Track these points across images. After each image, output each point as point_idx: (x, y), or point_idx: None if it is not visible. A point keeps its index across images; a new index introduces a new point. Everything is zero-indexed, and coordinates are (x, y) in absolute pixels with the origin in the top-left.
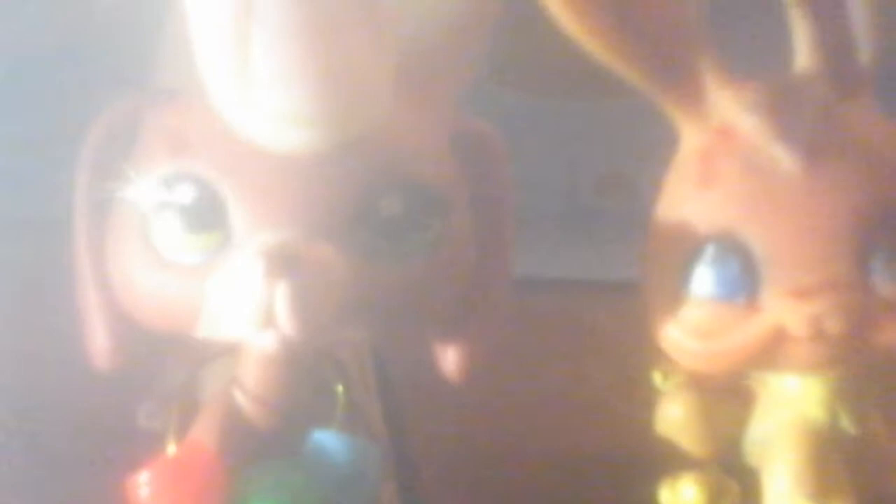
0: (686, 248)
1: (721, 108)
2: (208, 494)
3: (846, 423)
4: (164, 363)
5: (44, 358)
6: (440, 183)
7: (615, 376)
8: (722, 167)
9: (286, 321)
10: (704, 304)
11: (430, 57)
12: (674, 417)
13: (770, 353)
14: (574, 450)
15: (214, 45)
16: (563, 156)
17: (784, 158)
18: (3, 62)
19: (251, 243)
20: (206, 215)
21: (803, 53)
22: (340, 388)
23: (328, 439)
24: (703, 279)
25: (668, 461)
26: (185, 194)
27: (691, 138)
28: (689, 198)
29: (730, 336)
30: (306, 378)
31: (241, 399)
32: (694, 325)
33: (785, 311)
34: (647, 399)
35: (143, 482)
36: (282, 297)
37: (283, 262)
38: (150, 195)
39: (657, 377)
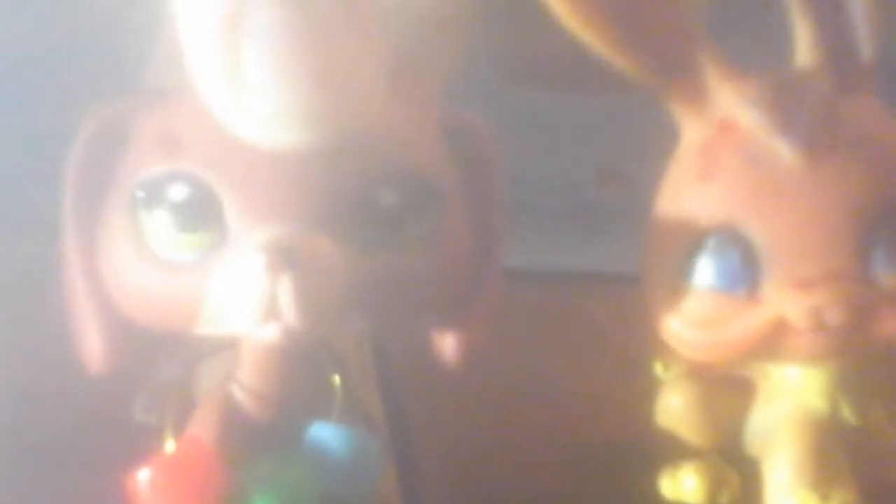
0: (687, 240)
1: (722, 102)
2: (208, 490)
3: (847, 414)
4: (158, 357)
5: (41, 355)
6: (434, 174)
7: (616, 368)
8: (723, 160)
9: (290, 313)
10: (705, 296)
11: (416, 52)
12: (674, 408)
13: (771, 344)
14: (575, 440)
15: (205, 48)
16: (563, 150)
17: (785, 152)
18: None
19: (249, 239)
20: (201, 213)
21: (804, 48)
22: (338, 380)
23: (327, 432)
24: (704, 271)
25: (668, 451)
26: (179, 193)
27: (692, 132)
28: (689, 191)
29: (730, 327)
30: (304, 371)
31: (238, 393)
32: (695, 317)
33: (785, 302)
34: (647, 390)
35: (142, 479)
36: (285, 289)
37: (285, 255)
38: (143, 195)
39: (658, 368)
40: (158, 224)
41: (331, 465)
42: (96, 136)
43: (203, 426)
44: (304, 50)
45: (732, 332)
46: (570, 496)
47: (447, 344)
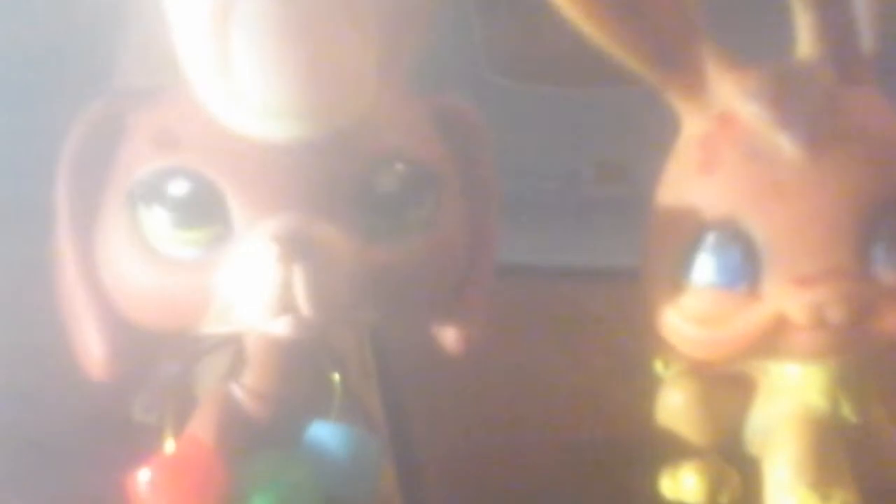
0: (687, 235)
1: (722, 95)
2: (208, 489)
3: (847, 412)
4: (158, 357)
5: (41, 354)
6: (430, 159)
7: (615, 364)
8: (723, 154)
9: (304, 303)
10: (705, 292)
11: (398, 36)
12: (674, 406)
13: (771, 341)
14: (575, 438)
15: (195, 41)
16: (563, 144)
17: (786, 146)
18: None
19: (257, 231)
20: (204, 208)
21: (805, 40)
22: (338, 379)
23: (326, 431)
24: (704, 267)
25: (668, 450)
26: (180, 189)
27: (692, 125)
28: (690, 185)
29: (731, 324)
30: (304, 369)
31: (238, 392)
32: (695, 313)
33: (786, 299)
34: (647, 387)
35: (143, 479)
36: (298, 280)
37: (297, 245)
38: (142, 193)
39: (658, 365)
40: (159, 222)
41: (331, 465)
42: (90, 133)
43: (203, 426)
44: (294, 40)
45: (733, 329)
46: (571, 495)
47: (445, 334)
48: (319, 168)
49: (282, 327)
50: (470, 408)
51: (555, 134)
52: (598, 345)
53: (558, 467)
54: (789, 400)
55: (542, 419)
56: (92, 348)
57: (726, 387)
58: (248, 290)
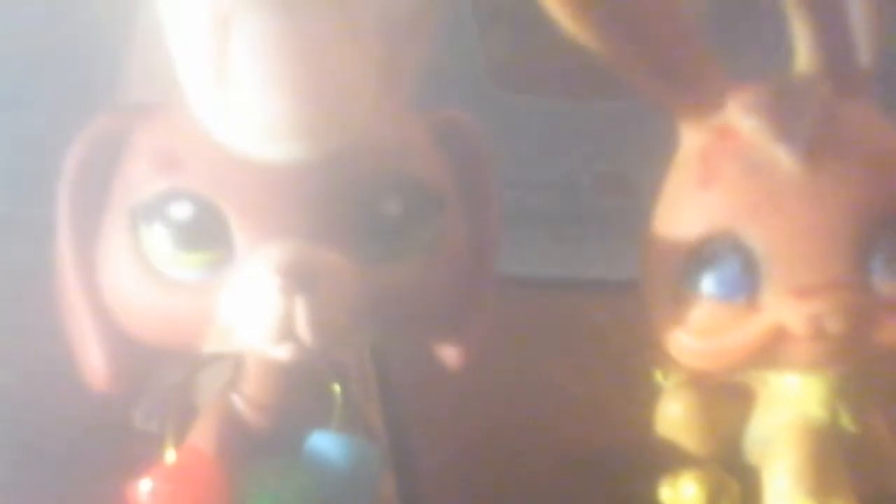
0: (686, 247)
1: (721, 108)
2: (208, 499)
3: (846, 422)
4: (159, 364)
5: (42, 363)
6: (433, 179)
7: (615, 375)
8: (722, 167)
9: (305, 334)
10: (705, 304)
11: (400, 56)
12: (674, 416)
13: (770, 352)
14: (574, 448)
15: (194, 58)
16: (562, 155)
17: (784, 159)
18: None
19: (259, 257)
20: (206, 231)
21: (803, 54)
22: (338, 389)
23: (326, 441)
24: (704, 278)
25: (668, 459)
26: (182, 212)
27: (691, 138)
28: (689, 197)
29: (730, 335)
30: (304, 380)
31: (238, 402)
32: (694, 325)
33: (785, 310)
34: (647, 398)
35: (143, 489)
36: (301, 311)
37: (300, 277)
38: (144, 214)
39: (657, 376)
40: (161, 243)
41: (330, 474)
42: (91, 150)
43: (203, 435)
44: (294, 58)
45: (732, 340)
46: (570, 503)
47: (447, 350)
48: (322, 192)
49: (282, 353)
50: (470, 418)
51: (554, 145)
52: (597, 355)
53: (558, 477)
54: (788, 410)
55: (543, 429)
56: (93, 361)
57: (726, 397)
58: (249, 315)
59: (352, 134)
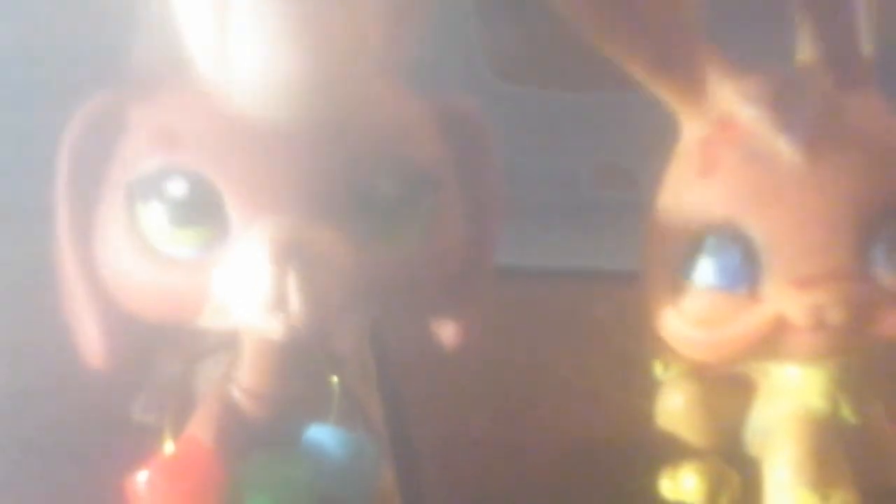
0: (687, 238)
1: (722, 99)
2: (207, 490)
3: (847, 413)
4: (157, 357)
5: (40, 355)
6: (428, 159)
7: (616, 366)
8: (723, 157)
9: (297, 305)
10: (705, 294)
11: (397, 30)
12: (674, 407)
13: (771, 343)
14: (575, 440)
15: (194, 19)
16: (562, 147)
17: (785, 149)
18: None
19: (253, 232)
20: (202, 207)
21: (805, 44)
22: (336, 381)
23: (324, 433)
24: (704, 269)
25: (668, 451)
26: (178, 188)
27: (692, 129)
28: (689, 188)
29: (731, 326)
30: (303, 371)
31: (236, 393)
32: (695, 315)
33: (786, 301)
34: (647, 389)
35: (141, 480)
36: (293, 282)
37: (291, 248)
38: (140, 190)
39: (658, 367)
40: (157, 219)
41: (328, 467)
42: (89, 127)
43: (201, 427)
44: (295, 20)
45: (733, 331)
46: (570, 496)
47: (444, 333)
48: (317, 170)
49: (276, 328)
50: (470, 409)
51: (555, 137)
52: (598, 347)
53: (558, 469)
54: (789, 401)
55: (543, 421)
56: (91, 338)
57: (726, 388)
58: (244, 289)
59: (349, 101)
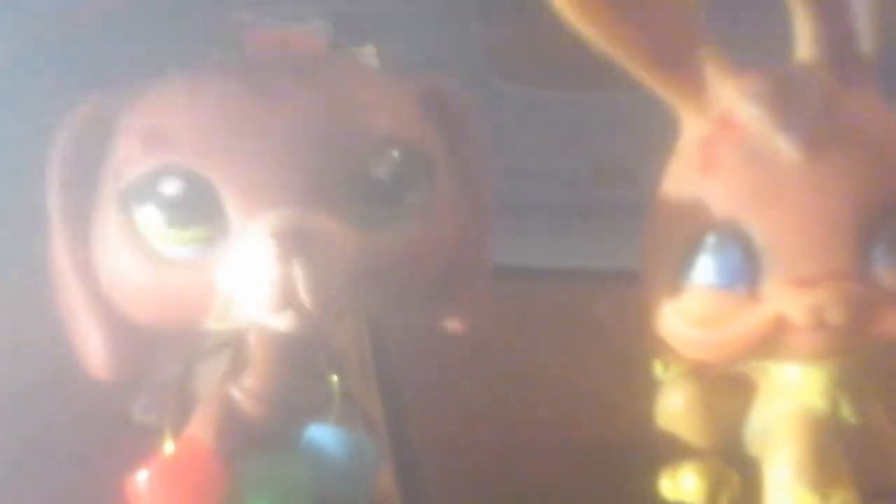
0: (687, 237)
1: (722, 97)
2: (206, 491)
3: (847, 413)
4: (158, 358)
5: (40, 355)
6: (422, 142)
7: (615, 366)
8: (723, 156)
9: (306, 298)
10: (705, 294)
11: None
12: (674, 407)
13: (771, 342)
14: (574, 439)
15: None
16: (563, 145)
17: (785, 148)
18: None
19: (254, 228)
20: (198, 207)
21: (805, 43)
22: (336, 380)
23: (324, 433)
24: (704, 268)
25: (668, 451)
26: (174, 189)
27: (692, 128)
28: (690, 187)
29: (730, 325)
30: (302, 371)
31: (236, 394)
32: (694, 315)
33: (786, 300)
34: (647, 389)
35: (141, 480)
36: (299, 274)
37: (296, 241)
38: (135, 193)
39: (658, 367)
40: (154, 221)
41: (328, 467)
42: (79, 131)
43: (201, 427)
44: None
45: (732, 331)
46: (570, 496)
47: (445, 318)
48: (313, 159)
49: (284, 322)
50: (470, 409)
51: (555, 136)
52: (598, 346)
53: (558, 469)
54: (789, 401)
55: (543, 420)
56: (92, 347)
57: (726, 388)
58: (249, 286)
59: (336, 85)
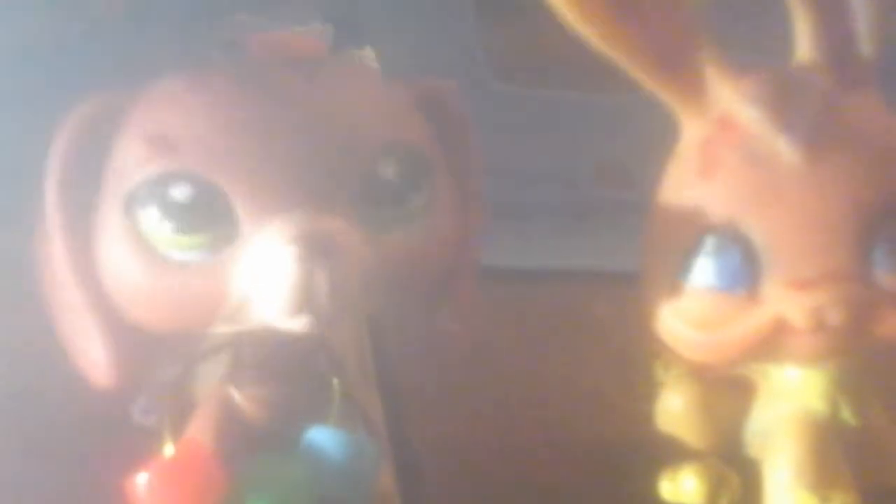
0: (686, 238)
1: (722, 99)
2: (206, 493)
3: (847, 415)
4: (157, 359)
5: (40, 356)
6: (422, 142)
7: (615, 366)
8: (723, 158)
9: (328, 301)
10: (705, 295)
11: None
12: (674, 409)
13: (771, 344)
14: (574, 441)
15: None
16: (563, 147)
17: (785, 150)
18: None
19: (269, 232)
20: (207, 212)
21: (805, 44)
22: (336, 382)
23: (324, 435)
24: (704, 270)
25: (668, 453)
26: (182, 194)
27: (692, 129)
28: (689, 188)
29: (730, 327)
30: (302, 372)
31: (236, 395)
32: (694, 317)
33: (786, 302)
34: (647, 391)
35: (141, 483)
36: (321, 278)
37: (315, 245)
38: (141, 198)
39: (657, 369)
40: (161, 227)
41: (327, 469)
42: (81, 132)
43: (201, 429)
44: None
45: (732, 333)
46: (570, 496)
47: (443, 323)
48: (322, 162)
49: (302, 325)
50: (470, 410)
51: (555, 137)
52: (597, 348)
53: (558, 469)
54: (789, 403)
55: (543, 422)
56: (94, 354)
57: (726, 390)
58: (266, 290)
59: (340, 87)
